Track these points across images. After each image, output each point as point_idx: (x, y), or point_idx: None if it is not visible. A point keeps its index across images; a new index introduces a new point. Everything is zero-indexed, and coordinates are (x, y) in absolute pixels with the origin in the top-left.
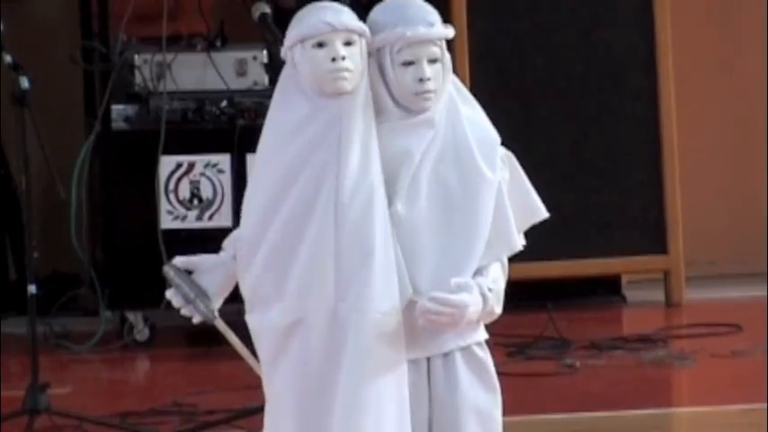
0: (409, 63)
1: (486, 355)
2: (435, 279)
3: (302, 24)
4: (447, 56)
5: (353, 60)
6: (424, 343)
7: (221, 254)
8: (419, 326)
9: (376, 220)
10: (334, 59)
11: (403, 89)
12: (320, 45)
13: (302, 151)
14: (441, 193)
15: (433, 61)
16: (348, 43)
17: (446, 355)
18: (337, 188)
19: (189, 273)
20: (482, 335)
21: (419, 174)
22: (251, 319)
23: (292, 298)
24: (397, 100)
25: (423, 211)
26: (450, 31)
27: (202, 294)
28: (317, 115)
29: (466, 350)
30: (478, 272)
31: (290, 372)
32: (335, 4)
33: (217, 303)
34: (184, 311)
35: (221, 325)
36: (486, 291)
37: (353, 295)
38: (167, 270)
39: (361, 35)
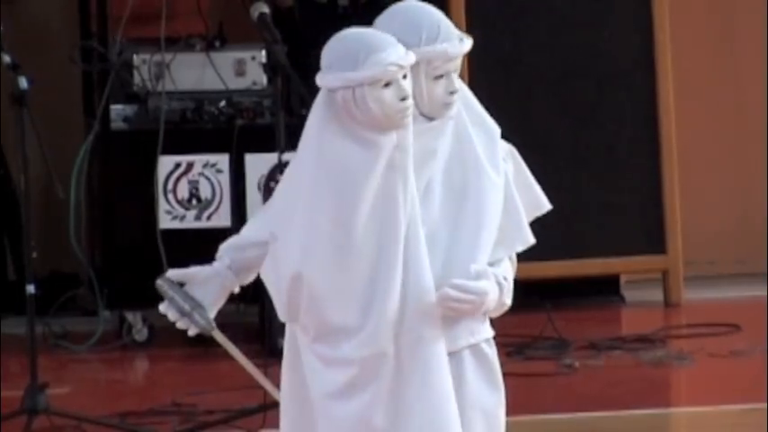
0: (440, 76)
1: (493, 353)
2: (445, 274)
3: (365, 65)
4: None
5: (411, 93)
6: None
7: (216, 264)
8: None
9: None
10: (403, 99)
11: (434, 101)
12: (386, 84)
13: (368, 192)
14: (449, 190)
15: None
16: (404, 76)
17: (454, 353)
18: (404, 223)
19: (181, 285)
20: (490, 331)
21: (432, 178)
22: (318, 349)
23: (371, 331)
24: (421, 109)
25: (436, 209)
26: (470, 40)
27: (198, 306)
28: (379, 151)
29: (474, 348)
30: (490, 265)
31: (363, 404)
32: (383, 37)
33: (212, 314)
34: (180, 324)
35: (220, 336)
36: (501, 279)
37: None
38: (161, 284)
39: None
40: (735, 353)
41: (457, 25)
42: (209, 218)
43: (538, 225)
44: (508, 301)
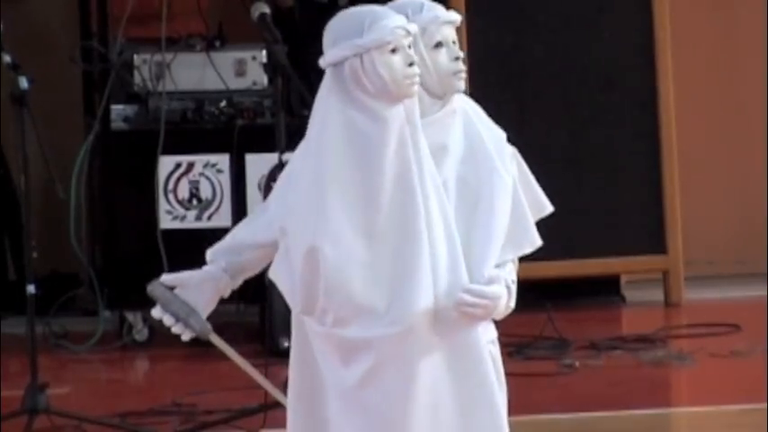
0: (439, 44)
1: (497, 352)
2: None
3: (372, 31)
4: None
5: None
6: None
7: (209, 268)
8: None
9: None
10: (411, 64)
11: (441, 70)
12: (393, 51)
13: (383, 166)
14: (463, 189)
15: (453, 43)
16: (409, 47)
17: None
18: (422, 195)
19: (172, 289)
20: (494, 332)
21: (446, 176)
22: (340, 333)
23: (400, 309)
24: (430, 87)
25: (451, 208)
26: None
27: (192, 311)
28: (388, 124)
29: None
30: (497, 267)
31: (400, 378)
32: (384, 8)
33: (204, 317)
34: (175, 329)
35: (216, 339)
36: (510, 283)
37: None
38: (152, 289)
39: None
40: (735, 353)
41: (457, 26)
42: (209, 218)
43: (538, 225)
44: (512, 303)
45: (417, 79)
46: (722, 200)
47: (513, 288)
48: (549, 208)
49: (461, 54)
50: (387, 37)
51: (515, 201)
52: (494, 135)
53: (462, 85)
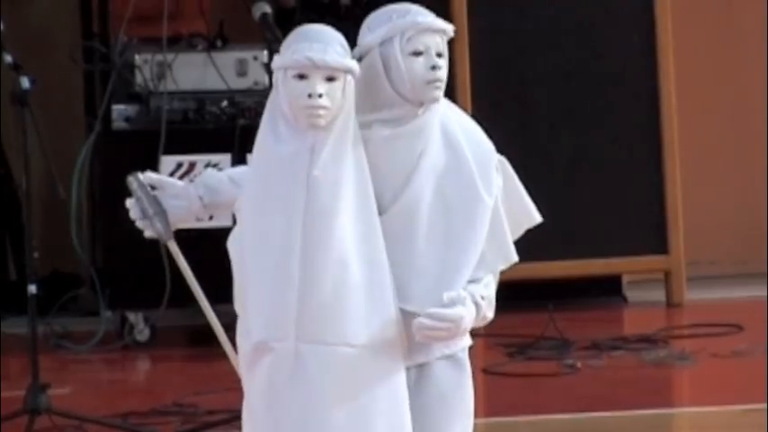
0: (418, 53)
1: (466, 360)
2: (431, 291)
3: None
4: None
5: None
6: (410, 353)
7: (190, 188)
8: (411, 338)
9: (349, 251)
10: (310, 95)
11: (415, 79)
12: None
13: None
14: (442, 208)
15: (438, 55)
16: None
17: (428, 363)
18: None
19: (152, 188)
20: (467, 341)
21: (422, 186)
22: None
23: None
24: (402, 94)
25: (423, 222)
26: (451, 27)
27: (162, 213)
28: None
29: (450, 356)
30: (472, 281)
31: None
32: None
33: (173, 228)
34: (139, 224)
35: (174, 248)
36: (478, 299)
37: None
38: (131, 180)
39: (346, 72)
40: (737, 353)
41: (458, 26)
42: (210, 217)
43: (540, 225)
44: (490, 314)
45: (321, 112)
46: (724, 200)
47: (486, 302)
48: (537, 219)
49: (439, 63)
50: (288, 62)
51: (494, 217)
52: (481, 150)
53: (438, 94)
